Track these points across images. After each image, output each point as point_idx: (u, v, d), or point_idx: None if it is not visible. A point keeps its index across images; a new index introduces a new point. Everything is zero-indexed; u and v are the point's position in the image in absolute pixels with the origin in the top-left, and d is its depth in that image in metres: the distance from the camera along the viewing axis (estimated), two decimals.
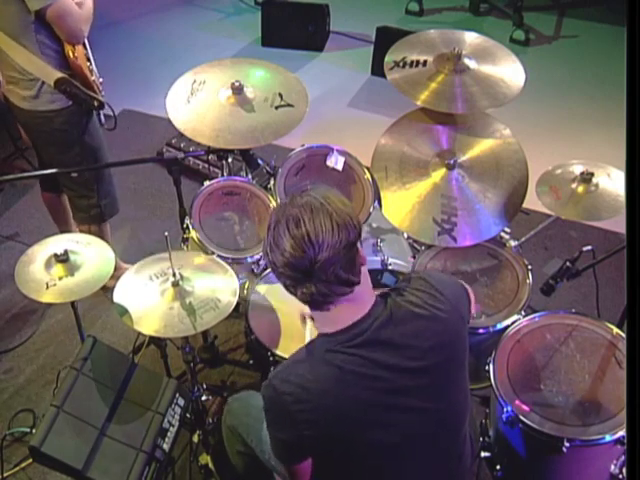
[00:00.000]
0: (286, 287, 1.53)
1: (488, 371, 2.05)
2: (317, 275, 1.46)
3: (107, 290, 2.26)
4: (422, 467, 1.65)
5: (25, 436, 2.62)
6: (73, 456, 1.93)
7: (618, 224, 3.05)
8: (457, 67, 2.40)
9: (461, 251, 2.43)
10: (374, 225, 2.68)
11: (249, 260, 2.54)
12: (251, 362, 2.46)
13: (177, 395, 2.16)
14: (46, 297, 2.11)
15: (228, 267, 2.21)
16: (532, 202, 2.40)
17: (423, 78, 2.39)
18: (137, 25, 5.24)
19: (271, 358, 2.25)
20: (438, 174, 2.38)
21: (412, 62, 2.44)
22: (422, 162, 2.40)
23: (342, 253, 1.45)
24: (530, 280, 2.38)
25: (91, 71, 2.58)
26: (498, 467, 2.14)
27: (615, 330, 2.09)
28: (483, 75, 2.40)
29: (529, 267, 2.41)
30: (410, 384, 1.54)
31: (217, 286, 2.12)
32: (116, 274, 2.19)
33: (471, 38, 2.54)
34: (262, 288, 2.46)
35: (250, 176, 2.92)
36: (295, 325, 2.24)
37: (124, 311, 2.04)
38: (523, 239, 2.60)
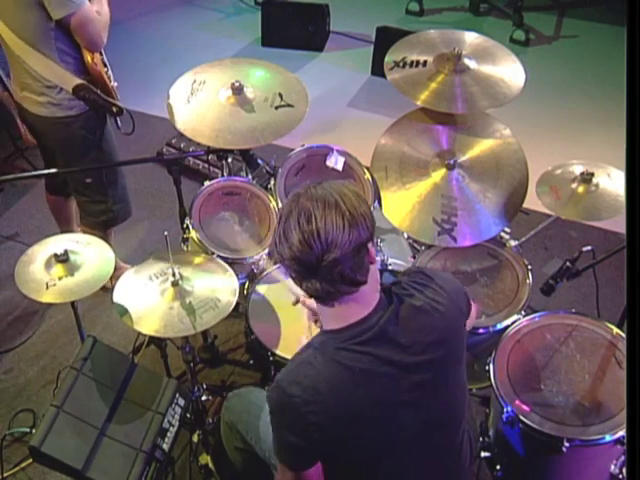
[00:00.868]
0: (292, 278, 1.52)
1: (488, 371, 2.05)
2: (322, 273, 1.45)
3: (107, 290, 2.26)
4: (421, 464, 1.64)
5: (25, 436, 2.62)
6: (73, 456, 1.93)
7: (618, 224, 3.06)
8: (457, 67, 2.40)
9: (461, 251, 2.43)
10: None
11: (249, 260, 2.54)
12: (251, 362, 2.45)
13: (177, 395, 2.16)
14: (46, 297, 2.11)
15: (228, 267, 2.20)
16: (532, 202, 2.40)
17: (423, 78, 2.39)
18: (137, 25, 5.24)
19: (271, 358, 2.24)
20: (438, 174, 2.38)
21: (412, 62, 2.44)
22: (422, 162, 2.40)
23: (351, 253, 1.44)
24: (530, 280, 2.38)
25: (109, 77, 2.58)
26: (498, 467, 2.14)
27: (615, 330, 2.09)
28: (483, 75, 2.40)
29: (529, 267, 2.41)
30: (415, 379, 1.53)
31: (217, 286, 2.12)
32: (116, 274, 2.20)
33: (471, 38, 2.54)
34: (262, 288, 2.46)
35: (250, 176, 2.92)
36: (295, 325, 2.25)
37: (124, 311, 2.04)
38: (523, 239, 2.60)
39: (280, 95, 2.54)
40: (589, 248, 2.24)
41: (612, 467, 2.01)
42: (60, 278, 2.13)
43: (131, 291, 2.10)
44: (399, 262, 2.54)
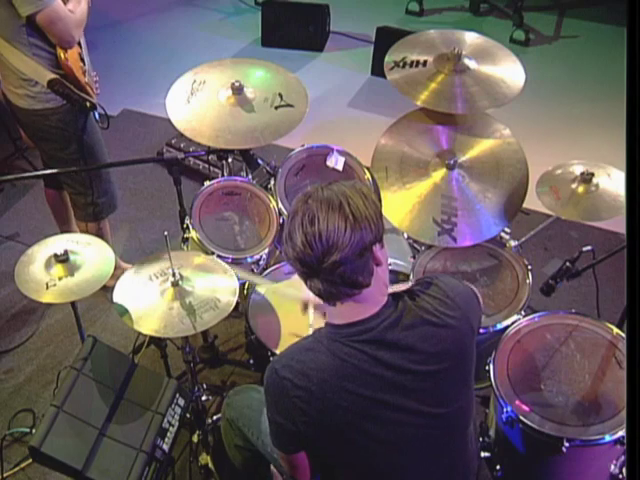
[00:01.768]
0: (299, 276, 1.54)
1: (488, 371, 2.05)
2: (323, 274, 1.46)
3: (107, 290, 2.26)
4: (418, 468, 1.64)
5: (25, 436, 2.62)
6: (73, 456, 1.92)
7: (618, 224, 3.05)
8: (457, 67, 2.40)
9: (461, 251, 2.43)
10: None
11: (249, 260, 2.54)
12: (251, 362, 2.45)
13: (177, 395, 2.15)
14: (46, 297, 2.10)
15: (228, 267, 2.21)
16: (532, 202, 2.40)
17: (423, 78, 2.39)
18: (137, 25, 5.24)
19: (271, 358, 2.25)
20: (438, 174, 2.38)
21: (412, 62, 2.44)
22: (422, 162, 2.40)
23: (353, 256, 1.44)
24: (530, 280, 2.38)
25: (84, 72, 2.58)
26: (498, 467, 2.14)
27: (615, 330, 2.09)
28: (483, 75, 2.40)
29: (529, 267, 2.41)
30: (410, 385, 1.53)
31: (217, 286, 2.12)
32: (116, 274, 2.20)
33: (471, 38, 2.54)
34: (262, 288, 2.46)
35: (250, 176, 2.92)
36: (295, 325, 2.24)
37: (124, 311, 2.04)
38: (523, 239, 2.59)
39: (280, 95, 2.54)
40: (589, 248, 2.24)
41: (612, 467, 2.01)
42: (60, 278, 2.13)
43: (131, 291, 2.10)
44: (399, 262, 2.54)
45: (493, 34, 2.60)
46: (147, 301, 2.06)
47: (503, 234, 2.48)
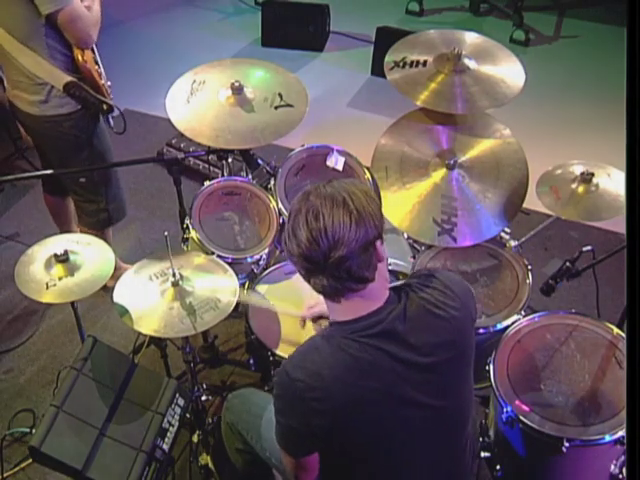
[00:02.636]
0: (301, 275, 1.55)
1: (488, 371, 2.05)
2: (329, 270, 1.47)
3: (107, 290, 2.26)
4: (423, 462, 1.65)
5: (25, 436, 2.62)
6: (73, 456, 1.92)
7: (618, 224, 3.05)
8: (457, 67, 2.39)
9: (461, 251, 2.43)
10: None
11: (249, 260, 2.54)
12: (251, 362, 2.45)
13: (177, 395, 2.15)
14: (46, 297, 2.10)
15: (228, 267, 2.21)
16: (532, 202, 2.40)
17: (423, 78, 2.39)
18: (137, 25, 5.24)
19: (271, 358, 2.25)
20: (438, 174, 2.38)
21: (412, 62, 2.44)
22: (422, 162, 2.40)
23: (358, 251, 1.46)
24: (530, 280, 2.38)
25: (100, 75, 2.57)
26: (498, 467, 2.14)
27: (615, 330, 2.09)
28: (483, 75, 2.40)
29: (529, 267, 2.41)
30: (418, 379, 1.54)
31: (217, 286, 2.12)
32: (116, 274, 2.19)
33: (471, 38, 2.54)
34: (262, 288, 2.46)
35: (250, 176, 2.92)
36: (295, 325, 2.25)
37: (124, 311, 2.04)
38: (523, 239, 2.59)
39: (280, 95, 2.54)
40: (589, 248, 2.24)
41: (612, 467, 2.01)
42: (60, 278, 2.13)
43: (131, 291, 2.10)
44: (399, 262, 2.54)
45: (493, 34, 2.60)
46: (147, 301, 2.06)
47: (503, 234, 2.48)
